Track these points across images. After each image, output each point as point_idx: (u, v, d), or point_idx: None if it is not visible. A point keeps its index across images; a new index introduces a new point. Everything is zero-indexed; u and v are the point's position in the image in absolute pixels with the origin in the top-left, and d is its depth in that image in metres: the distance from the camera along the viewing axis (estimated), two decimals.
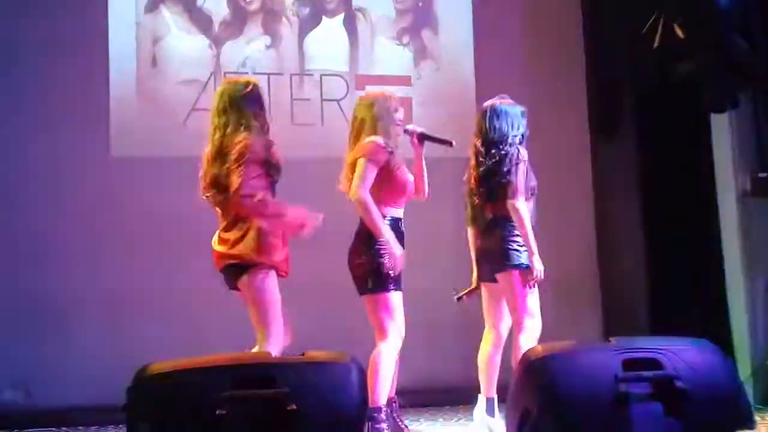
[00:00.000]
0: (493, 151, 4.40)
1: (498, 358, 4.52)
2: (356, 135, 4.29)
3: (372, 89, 4.37)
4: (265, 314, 3.96)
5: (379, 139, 4.20)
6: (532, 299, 4.33)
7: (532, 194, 4.46)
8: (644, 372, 2.76)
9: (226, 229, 4.02)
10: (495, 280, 4.42)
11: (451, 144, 4.37)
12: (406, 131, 4.35)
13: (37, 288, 5.63)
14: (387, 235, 4.11)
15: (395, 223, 4.23)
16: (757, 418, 3.47)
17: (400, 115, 4.34)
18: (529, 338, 4.27)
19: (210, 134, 4.04)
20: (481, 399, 4.54)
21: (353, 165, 4.20)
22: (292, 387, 2.64)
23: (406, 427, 4.35)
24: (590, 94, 6.63)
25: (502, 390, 4.12)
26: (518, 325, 4.33)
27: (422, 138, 4.37)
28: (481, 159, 4.44)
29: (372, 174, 4.14)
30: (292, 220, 4.01)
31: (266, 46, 6.30)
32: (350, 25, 6.43)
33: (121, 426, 4.68)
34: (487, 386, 4.53)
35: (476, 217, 4.49)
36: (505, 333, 4.51)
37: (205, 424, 2.58)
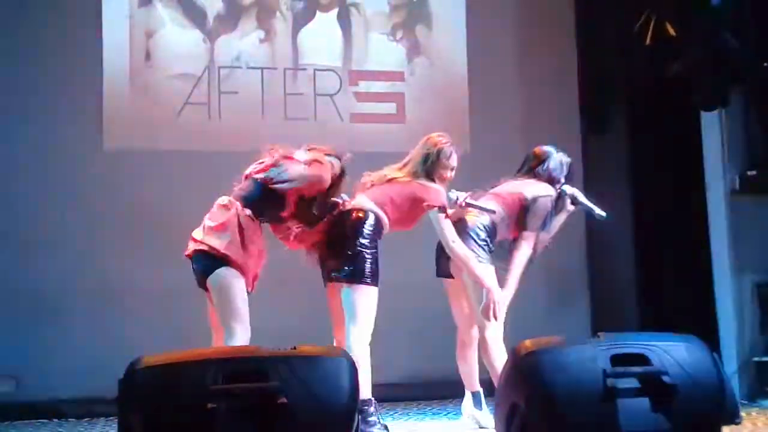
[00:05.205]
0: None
1: (470, 354, 4.54)
2: (411, 164, 4.41)
3: (444, 137, 4.46)
4: (232, 313, 4.03)
5: (442, 189, 4.35)
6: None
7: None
8: (632, 367, 2.78)
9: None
10: (451, 276, 4.44)
11: (494, 212, 4.42)
12: (449, 198, 4.37)
13: (28, 280, 5.63)
14: (490, 280, 4.30)
15: (378, 223, 4.28)
16: (742, 413, 3.50)
17: (451, 173, 4.44)
18: (493, 333, 4.30)
19: None
20: (468, 393, 4.57)
21: (392, 178, 4.36)
22: (283, 380, 2.65)
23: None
24: (582, 90, 6.65)
25: (489, 384, 4.16)
26: (480, 323, 4.36)
27: (466, 204, 4.40)
28: None
29: (450, 221, 4.30)
30: None
31: (260, 41, 6.30)
32: (344, 20, 6.44)
33: (112, 418, 4.69)
34: (467, 381, 4.57)
35: None
36: (469, 330, 4.52)
37: (196, 416, 2.59)
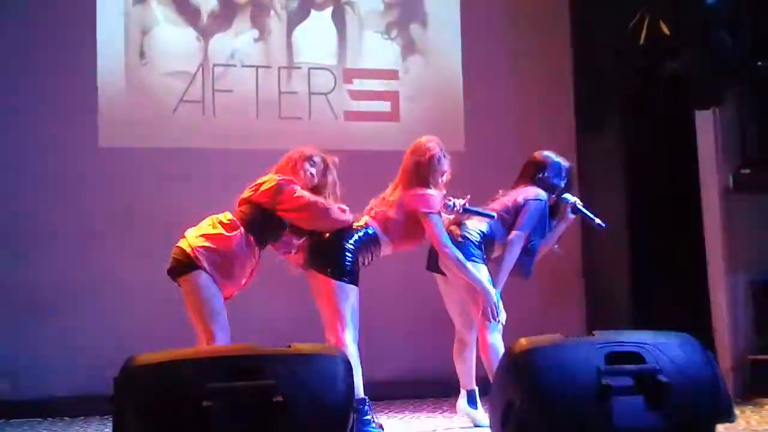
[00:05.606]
0: None
1: (468, 352, 4.54)
2: (405, 177, 4.37)
3: (433, 142, 4.43)
4: (208, 316, 4.02)
5: (434, 192, 4.31)
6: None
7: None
8: (627, 366, 2.79)
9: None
10: (442, 273, 4.45)
11: (493, 217, 4.39)
12: (447, 206, 4.34)
13: (24, 278, 5.62)
14: (485, 282, 4.27)
15: (372, 237, 4.29)
16: (736, 411, 3.50)
17: (445, 177, 4.41)
18: (492, 333, 4.30)
19: None
20: (463, 391, 4.57)
21: (397, 201, 4.32)
22: (278, 379, 2.65)
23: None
24: (576, 89, 6.66)
25: (486, 383, 4.16)
26: (480, 322, 4.36)
27: (464, 211, 4.37)
28: None
29: (441, 224, 4.28)
30: None
31: (254, 39, 6.29)
32: (338, 18, 6.43)
33: (107, 417, 4.68)
34: (463, 379, 4.57)
35: None
36: (466, 328, 4.53)
37: (191, 415, 2.59)
